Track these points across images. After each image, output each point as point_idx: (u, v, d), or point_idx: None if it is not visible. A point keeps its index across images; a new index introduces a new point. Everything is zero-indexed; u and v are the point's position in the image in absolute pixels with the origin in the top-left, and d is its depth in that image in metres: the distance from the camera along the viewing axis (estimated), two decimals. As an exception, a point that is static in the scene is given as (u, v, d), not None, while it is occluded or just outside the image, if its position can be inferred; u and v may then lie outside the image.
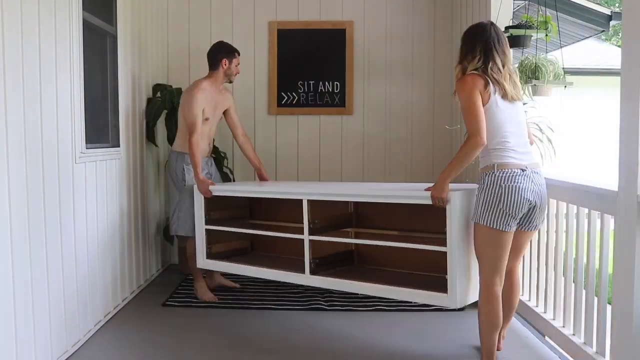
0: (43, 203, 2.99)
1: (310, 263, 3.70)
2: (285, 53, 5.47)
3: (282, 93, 5.49)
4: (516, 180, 2.90)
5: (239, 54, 4.46)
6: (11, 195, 2.67)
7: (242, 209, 4.59)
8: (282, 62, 5.47)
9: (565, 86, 3.79)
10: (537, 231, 3.29)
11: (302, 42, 5.49)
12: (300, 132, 5.54)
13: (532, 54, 3.91)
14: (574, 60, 10.52)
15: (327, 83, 5.49)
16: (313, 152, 5.52)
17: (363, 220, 4.04)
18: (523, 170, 2.93)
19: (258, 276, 4.16)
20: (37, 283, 2.92)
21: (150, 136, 4.85)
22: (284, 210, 4.33)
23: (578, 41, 8.06)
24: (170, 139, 4.87)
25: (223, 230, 4.28)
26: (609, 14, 6.97)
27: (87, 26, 3.59)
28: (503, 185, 2.90)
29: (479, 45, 3.01)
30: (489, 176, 2.96)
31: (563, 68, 3.80)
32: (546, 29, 3.74)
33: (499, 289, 2.98)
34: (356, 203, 4.02)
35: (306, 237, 3.69)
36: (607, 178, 3.15)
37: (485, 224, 2.94)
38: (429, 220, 3.53)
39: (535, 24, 3.74)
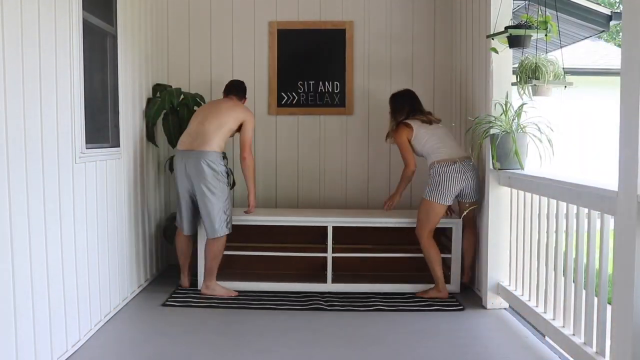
0: (43, 203, 2.99)
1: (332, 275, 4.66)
2: (285, 53, 5.47)
3: (282, 93, 5.49)
4: (449, 169, 4.33)
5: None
6: (11, 195, 2.67)
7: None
8: (282, 62, 5.47)
9: (565, 86, 3.78)
10: (477, 204, 4.46)
11: (302, 42, 5.49)
12: (300, 132, 5.54)
13: (532, 54, 3.91)
14: (574, 60, 10.52)
15: (327, 83, 5.49)
16: (313, 152, 5.52)
17: (341, 238, 4.82)
18: (454, 162, 4.30)
19: (280, 290, 4.63)
20: (37, 283, 2.92)
21: (150, 136, 4.85)
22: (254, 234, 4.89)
23: (578, 41, 8.06)
24: (171, 139, 4.87)
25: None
26: (609, 14, 6.97)
27: (87, 26, 3.59)
28: (441, 173, 4.35)
29: (404, 104, 4.65)
30: (433, 169, 4.42)
31: (563, 68, 3.80)
32: (546, 29, 3.74)
33: (432, 237, 4.48)
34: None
35: (329, 254, 4.65)
36: (607, 178, 3.15)
37: (429, 199, 4.40)
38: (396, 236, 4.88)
39: (535, 24, 3.74)
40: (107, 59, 4.06)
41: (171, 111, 4.88)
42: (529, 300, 3.81)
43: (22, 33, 2.80)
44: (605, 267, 2.91)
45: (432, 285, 4.51)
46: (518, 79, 3.86)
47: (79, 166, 3.43)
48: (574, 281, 3.25)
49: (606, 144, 9.42)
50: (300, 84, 5.49)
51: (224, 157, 4.54)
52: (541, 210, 3.66)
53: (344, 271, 4.80)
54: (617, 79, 2.63)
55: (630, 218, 2.50)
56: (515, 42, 3.81)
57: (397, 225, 4.72)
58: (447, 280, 4.56)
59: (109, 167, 3.95)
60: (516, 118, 4.01)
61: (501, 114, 4.05)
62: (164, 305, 4.27)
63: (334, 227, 4.66)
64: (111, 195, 3.98)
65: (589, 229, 3.07)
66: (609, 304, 2.80)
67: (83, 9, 3.50)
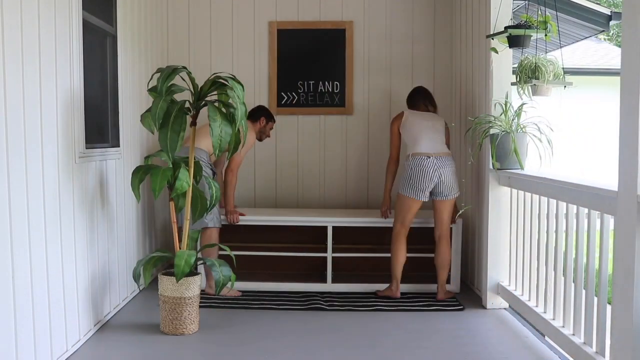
0: (43, 203, 2.99)
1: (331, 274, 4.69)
2: (285, 53, 5.47)
3: (282, 93, 5.50)
4: (422, 164, 4.26)
5: (274, 122, 4.88)
6: (11, 195, 2.67)
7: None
8: (282, 62, 5.48)
9: (565, 86, 3.79)
10: (452, 201, 4.36)
11: (302, 42, 5.49)
12: (300, 132, 5.54)
13: (531, 53, 3.91)
14: (573, 60, 10.52)
15: (327, 83, 5.49)
16: (313, 152, 5.52)
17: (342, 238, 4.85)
18: (428, 157, 4.25)
19: (280, 290, 4.65)
20: (37, 283, 2.92)
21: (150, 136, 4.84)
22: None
23: (578, 41, 8.07)
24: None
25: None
26: (609, 14, 6.98)
27: (87, 26, 3.60)
28: (413, 167, 4.28)
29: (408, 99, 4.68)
30: (407, 161, 4.37)
31: (563, 68, 3.80)
32: (546, 28, 3.74)
33: (403, 235, 4.39)
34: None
35: (329, 254, 4.67)
36: (607, 178, 3.15)
37: (400, 192, 4.37)
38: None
39: (535, 24, 3.74)
40: (107, 59, 4.06)
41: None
42: (529, 300, 3.81)
43: (22, 33, 2.80)
44: (605, 267, 2.92)
45: (433, 285, 4.49)
46: (518, 79, 3.86)
47: (79, 166, 3.43)
48: (573, 281, 3.25)
49: (606, 144, 9.43)
50: (300, 83, 5.49)
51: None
52: (541, 210, 3.66)
53: (344, 271, 4.81)
54: (617, 79, 2.63)
55: (630, 218, 2.50)
56: (515, 42, 3.81)
57: None
58: (447, 280, 4.52)
59: (109, 167, 3.95)
60: (516, 118, 4.01)
61: (501, 114, 4.05)
62: (164, 305, 4.26)
63: (334, 227, 4.67)
64: (111, 195, 3.98)
65: (588, 229, 3.07)
66: (609, 303, 2.80)
67: (83, 9, 3.50)
